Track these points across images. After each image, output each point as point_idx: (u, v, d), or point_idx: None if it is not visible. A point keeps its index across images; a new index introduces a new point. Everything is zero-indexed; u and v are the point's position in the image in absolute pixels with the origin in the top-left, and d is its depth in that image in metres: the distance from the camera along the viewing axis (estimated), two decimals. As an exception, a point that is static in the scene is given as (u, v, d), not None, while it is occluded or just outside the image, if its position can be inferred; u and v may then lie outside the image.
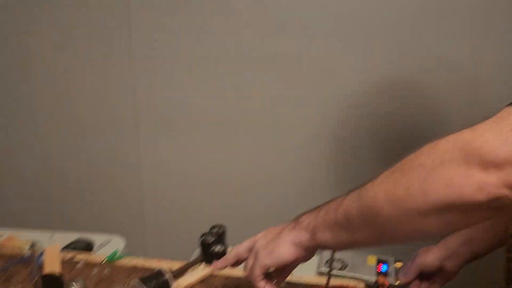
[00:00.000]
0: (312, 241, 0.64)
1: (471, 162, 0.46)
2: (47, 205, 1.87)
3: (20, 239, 1.01)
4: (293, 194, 1.67)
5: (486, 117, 0.50)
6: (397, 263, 1.07)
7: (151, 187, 1.78)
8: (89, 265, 0.92)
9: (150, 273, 0.81)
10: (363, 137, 1.53)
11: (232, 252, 0.76)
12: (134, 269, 0.91)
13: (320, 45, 1.45)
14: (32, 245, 0.59)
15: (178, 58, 1.59)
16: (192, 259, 0.94)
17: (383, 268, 1.06)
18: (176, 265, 0.88)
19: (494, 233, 0.86)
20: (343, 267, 1.07)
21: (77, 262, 0.93)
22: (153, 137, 1.70)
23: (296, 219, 0.68)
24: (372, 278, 1.01)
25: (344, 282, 0.87)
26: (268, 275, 0.72)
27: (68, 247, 1.20)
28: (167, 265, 0.87)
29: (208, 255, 1.02)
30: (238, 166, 1.69)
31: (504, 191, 0.45)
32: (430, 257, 0.88)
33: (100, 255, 0.96)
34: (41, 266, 0.88)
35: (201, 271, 0.88)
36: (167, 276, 0.80)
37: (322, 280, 0.86)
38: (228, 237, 1.10)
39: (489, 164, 0.45)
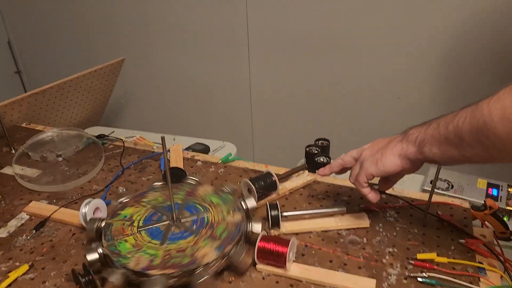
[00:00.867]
0: (418, 154, 0.65)
1: None
2: (171, 113, 2.09)
3: (149, 140, 1.17)
4: (401, 113, 1.62)
5: None
6: (510, 188, 1.02)
7: (260, 101, 1.86)
8: (207, 164, 1.04)
9: (259, 174, 0.89)
10: (477, 55, 1.39)
11: (338, 160, 0.79)
12: (245, 171, 1.00)
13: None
14: (162, 142, 0.69)
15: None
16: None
17: (494, 192, 1.02)
18: (281, 171, 0.95)
19: None
20: (449, 188, 1.06)
21: (197, 161, 1.05)
22: (263, 55, 1.75)
23: (405, 133, 0.68)
24: (479, 201, 0.98)
25: (449, 199, 0.86)
26: (371, 184, 0.75)
27: (188, 148, 1.36)
28: (274, 170, 0.94)
29: (312, 165, 1.07)
30: (345, 84, 1.67)
31: None
32: None
33: (215, 156, 1.07)
34: (168, 161, 1.03)
35: (305, 177, 0.94)
36: (275, 178, 0.87)
37: (424, 196, 0.86)
38: (331, 152, 1.14)
39: None
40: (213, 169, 1.01)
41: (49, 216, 0.86)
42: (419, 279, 0.68)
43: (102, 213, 0.83)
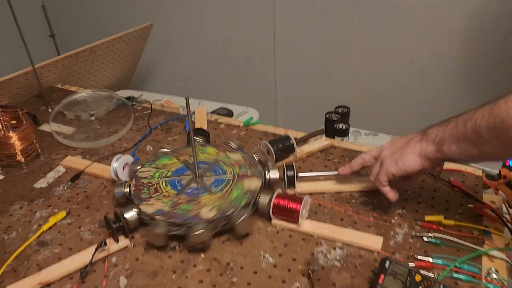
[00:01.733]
0: (437, 153, 0.66)
1: None
2: (197, 79, 2.14)
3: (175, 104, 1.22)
4: (426, 83, 1.61)
5: None
6: (527, 159, 1.02)
7: (284, 68, 1.88)
8: (229, 127, 1.08)
9: (278, 137, 0.93)
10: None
11: (358, 159, 0.81)
12: (265, 134, 1.04)
13: None
14: (186, 102, 0.73)
15: None
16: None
17: (511, 163, 1.03)
18: (300, 135, 0.99)
19: None
20: (465, 157, 1.07)
21: (220, 123, 1.10)
22: (288, 21, 1.75)
23: (424, 131, 0.70)
24: (495, 171, 1.00)
25: (462, 167, 0.89)
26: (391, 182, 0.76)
27: (212, 112, 1.41)
28: (293, 134, 0.98)
29: (331, 131, 1.11)
30: (369, 52, 1.66)
31: None
32: None
33: (238, 120, 1.12)
34: (193, 122, 1.08)
35: (322, 142, 0.98)
36: (293, 141, 0.91)
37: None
38: (351, 119, 1.16)
39: None
40: (235, 132, 1.06)
41: (83, 169, 0.94)
42: (425, 239, 0.72)
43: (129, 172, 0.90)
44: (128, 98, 1.22)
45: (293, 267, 0.69)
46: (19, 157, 0.97)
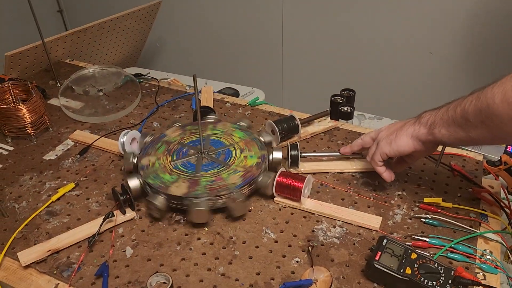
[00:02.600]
0: (428, 135, 0.70)
1: None
2: (204, 59, 2.14)
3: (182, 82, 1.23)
4: (433, 69, 1.61)
5: None
6: (529, 147, 1.03)
7: (291, 50, 1.88)
8: (235, 106, 1.10)
9: (283, 117, 0.95)
10: None
11: (358, 140, 0.84)
12: (270, 114, 1.06)
13: None
14: (193, 80, 0.75)
15: None
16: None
17: (513, 149, 1.04)
18: (305, 116, 1.00)
19: None
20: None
21: (226, 102, 1.11)
22: (296, 2, 1.74)
23: (418, 116, 0.73)
24: (496, 157, 1.01)
25: (463, 152, 0.90)
26: (387, 163, 0.79)
27: (219, 92, 1.42)
28: (298, 115, 0.99)
29: (336, 113, 1.12)
30: (376, 36, 1.66)
31: None
32: None
33: (244, 100, 1.13)
34: (199, 100, 1.10)
35: (326, 123, 0.99)
36: (297, 121, 0.92)
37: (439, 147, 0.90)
38: (356, 103, 1.17)
39: None
40: (240, 111, 1.07)
41: (91, 143, 0.96)
42: (423, 220, 0.74)
43: (138, 144, 0.92)
44: (136, 75, 1.23)
45: (293, 243, 0.72)
46: (29, 130, 0.99)
